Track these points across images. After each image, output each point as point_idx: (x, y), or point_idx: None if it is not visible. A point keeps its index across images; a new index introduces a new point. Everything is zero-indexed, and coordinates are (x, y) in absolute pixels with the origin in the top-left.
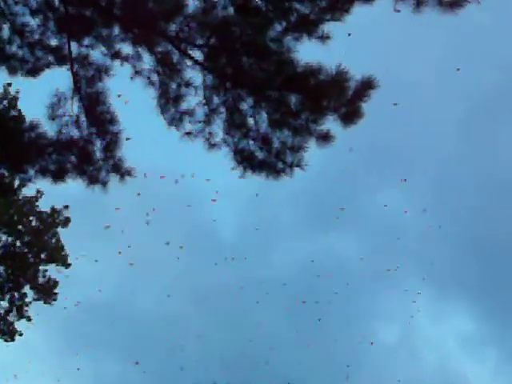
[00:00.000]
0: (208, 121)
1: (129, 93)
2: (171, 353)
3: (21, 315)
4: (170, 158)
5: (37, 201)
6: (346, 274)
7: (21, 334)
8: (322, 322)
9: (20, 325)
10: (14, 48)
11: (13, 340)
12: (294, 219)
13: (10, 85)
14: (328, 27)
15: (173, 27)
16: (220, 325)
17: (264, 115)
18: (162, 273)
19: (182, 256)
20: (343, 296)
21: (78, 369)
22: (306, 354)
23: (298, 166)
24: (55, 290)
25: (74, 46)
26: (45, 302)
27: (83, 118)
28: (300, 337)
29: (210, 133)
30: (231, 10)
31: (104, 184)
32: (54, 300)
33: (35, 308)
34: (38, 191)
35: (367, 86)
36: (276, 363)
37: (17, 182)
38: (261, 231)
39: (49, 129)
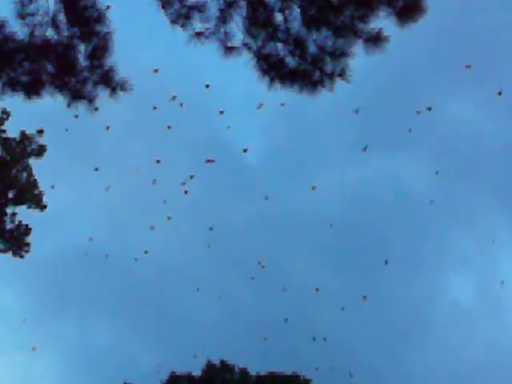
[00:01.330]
0: (224, 18)
1: None
2: None
3: None
4: (174, 65)
5: (2, 124)
6: (407, 207)
7: None
8: (376, 270)
9: None
10: None
11: None
12: (337, 138)
13: None
14: None
15: None
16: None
17: (296, 10)
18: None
19: (193, 188)
20: (403, 238)
21: None
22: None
23: (340, 76)
24: (27, 239)
25: None
26: (14, 254)
27: (62, 16)
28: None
29: (226, 33)
30: None
31: (90, 100)
32: (27, 251)
33: (2, 262)
34: (4, 111)
35: None
36: (320, 319)
37: None
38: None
39: (18, 30)
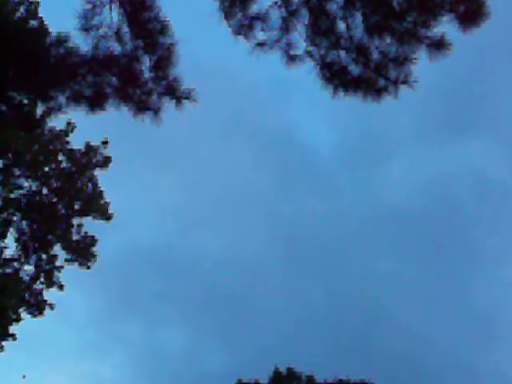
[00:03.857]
0: (286, 27)
1: None
2: None
3: (50, 283)
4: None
5: (67, 136)
6: (486, 197)
7: (52, 307)
8: (454, 260)
9: (51, 295)
10: None
11: (41, 314)
12: (408, 127)
13: None
14: None
15: None
16: None
17: (359, 18)
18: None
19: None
20: (482, 230)
21: None
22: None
23: (404, 82)
24: (93, 250)
25: None
26: (80, 265)
27: (125, 29)
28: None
29: (288, 43)
30: None
31: (156, 111)
32: (93, 262)
33: (69, 273)
34: (69, 123)
35: None
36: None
37: (41, 112)
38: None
39: (82, 43)
